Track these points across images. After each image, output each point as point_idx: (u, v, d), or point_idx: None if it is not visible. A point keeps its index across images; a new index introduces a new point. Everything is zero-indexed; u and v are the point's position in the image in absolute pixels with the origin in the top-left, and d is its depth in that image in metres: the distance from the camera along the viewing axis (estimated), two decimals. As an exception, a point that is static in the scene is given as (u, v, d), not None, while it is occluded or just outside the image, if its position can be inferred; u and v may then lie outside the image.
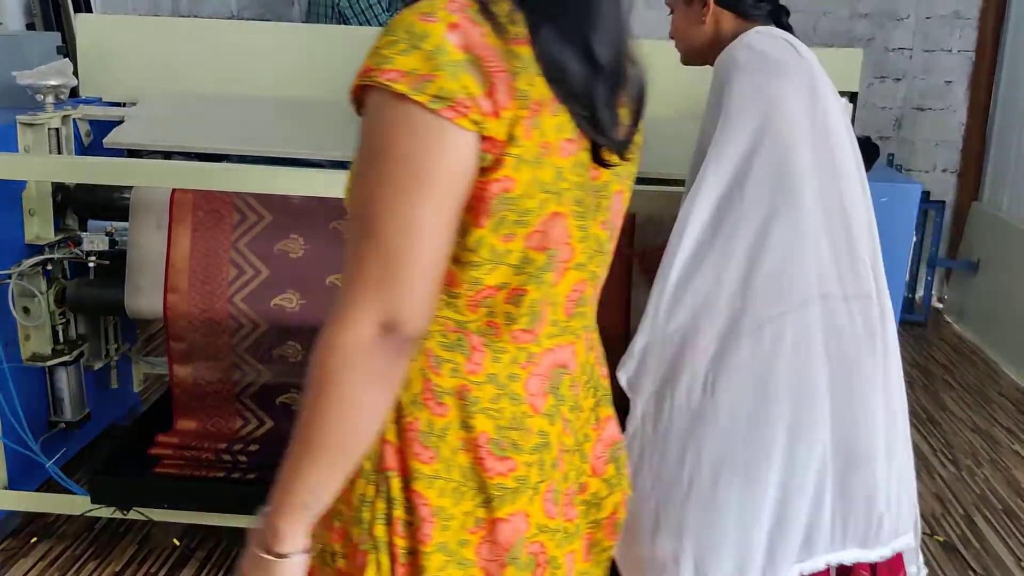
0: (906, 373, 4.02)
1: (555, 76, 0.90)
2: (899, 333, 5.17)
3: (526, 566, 1.01)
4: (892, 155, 4.86)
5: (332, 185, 2.07)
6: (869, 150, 1.69)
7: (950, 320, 4.78)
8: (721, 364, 1.50)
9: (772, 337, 1.50)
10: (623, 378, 1.57)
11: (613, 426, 1.16)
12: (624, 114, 1.00)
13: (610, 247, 1.07)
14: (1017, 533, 2.76)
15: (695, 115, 1.76)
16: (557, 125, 0.91)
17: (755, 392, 1.50)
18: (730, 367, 1.50)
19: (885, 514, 1.58)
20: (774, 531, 1.53)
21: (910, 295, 4.88)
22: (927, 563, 2.57)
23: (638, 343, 1.56)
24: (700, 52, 1.70)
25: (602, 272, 1.07)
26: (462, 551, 0.97)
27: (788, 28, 1.67)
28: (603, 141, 0.96)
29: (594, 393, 1.12)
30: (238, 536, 1.89)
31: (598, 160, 0.97)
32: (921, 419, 3.55)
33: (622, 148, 1.00)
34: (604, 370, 1.16)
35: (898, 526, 1.61)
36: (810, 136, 1.52)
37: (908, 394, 3.74)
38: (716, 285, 1.51)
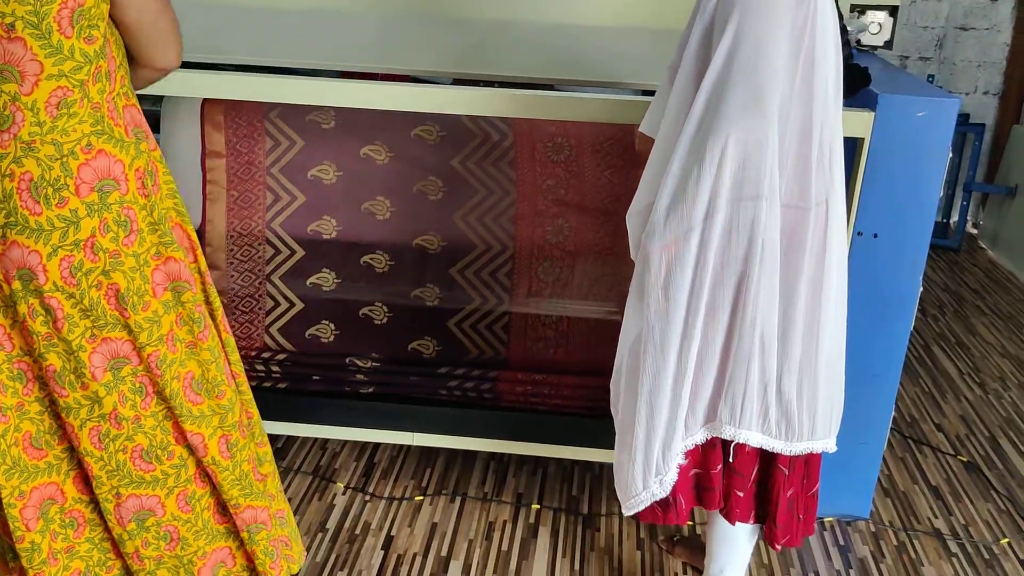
0: (937, 298, 4.00)
1: None
2: (931, 258, 5.03)
3: None
4: (932, 76, 4.73)
5: (388, 97, 2.07)
6: (859, 76, 1.64)
7: (984, 246, 4.71)
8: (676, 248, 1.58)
9: (723, 223, 1.54)
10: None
11: (19, 253, 1.32)
12: None
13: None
14: (1041, 455, 2.77)
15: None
16: None
17: (694, 273, 1.57)
18: (683, 250, 1.57)
19: (796, 411, 1.66)
20: (675, 402, 1.63)
21: (944, 220, 4.81)
22: (948, 482, 2.60)
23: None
24: None
25: None
26: None
27: None
28: None
29: (5, 216, 1.32)
30: (274, 442, 1.94)
31: None
32: (950, 343, 3.53)
33: None
34: (32, 204, 1.31)
35: (815, 427, 1.69)
36: (788, 42, 1.50)
37: (938, 318, 3.72)
38: (683, 183, 1.55)
